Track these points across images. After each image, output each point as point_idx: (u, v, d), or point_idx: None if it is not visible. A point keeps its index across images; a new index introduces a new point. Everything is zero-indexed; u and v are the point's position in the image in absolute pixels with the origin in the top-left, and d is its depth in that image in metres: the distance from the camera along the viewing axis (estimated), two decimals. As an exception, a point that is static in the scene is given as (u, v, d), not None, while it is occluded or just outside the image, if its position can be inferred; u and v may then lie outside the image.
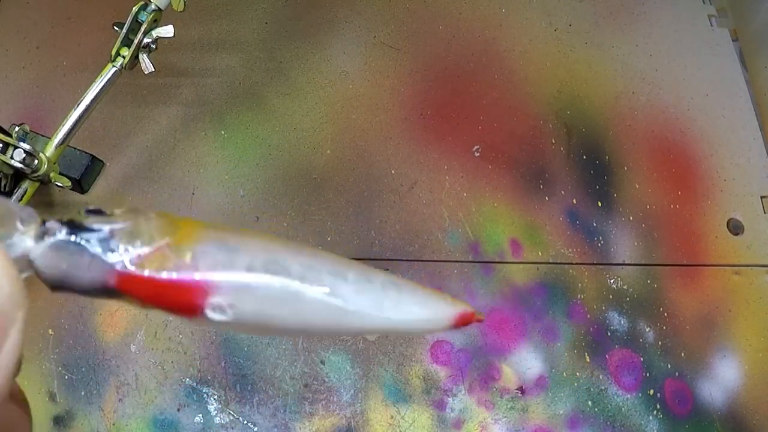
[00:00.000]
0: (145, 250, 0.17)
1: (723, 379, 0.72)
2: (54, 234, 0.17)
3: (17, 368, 0.16)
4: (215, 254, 0.18)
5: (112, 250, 0.17)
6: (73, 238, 0.17)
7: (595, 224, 0.78)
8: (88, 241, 0.17)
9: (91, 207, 0.18)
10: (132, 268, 0.17)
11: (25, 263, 0.17)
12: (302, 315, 0.19)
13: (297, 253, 0.20)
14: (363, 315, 0.20)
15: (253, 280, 0.18)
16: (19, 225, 0.17)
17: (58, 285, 0.18)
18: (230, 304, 0.18)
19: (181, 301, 0.18)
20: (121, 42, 0.63)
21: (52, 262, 0.17)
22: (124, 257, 0.17)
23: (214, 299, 0.18)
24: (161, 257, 0.18)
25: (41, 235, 0.17)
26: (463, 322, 0.22)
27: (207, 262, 0.18)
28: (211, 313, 0.18)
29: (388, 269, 0.73)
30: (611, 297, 0.74)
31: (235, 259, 0.18)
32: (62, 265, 0.17)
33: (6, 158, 0.58)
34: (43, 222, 0.17)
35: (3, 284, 0.15)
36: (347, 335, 0.67)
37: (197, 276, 0.18)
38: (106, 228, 0.18)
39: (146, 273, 0.17)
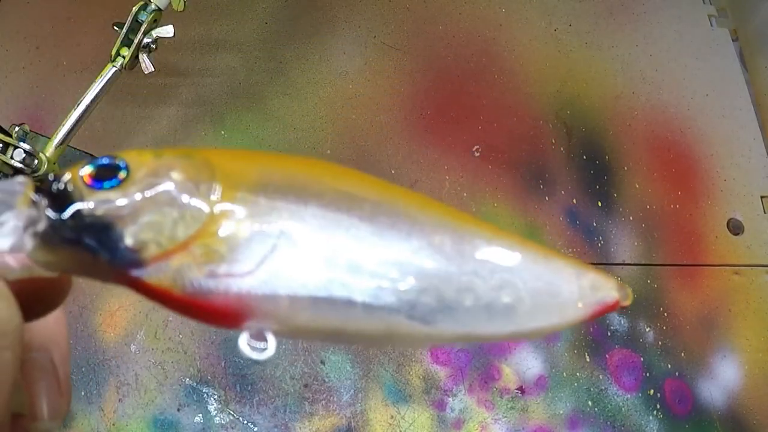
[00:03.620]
0: (156, 248, 0.12)
1: (723, 379, 0.72)
2: (40, 223, 0.13)
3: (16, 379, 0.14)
4: (259, 246, 0.13)
5: (115, 247, 0.12)
6: (63, 231, 0.13)
7: (595, 224, 0.78)
8: (84, 231, 0.13)
9: (101, 162, 0.13)
10: (140, 274, 0.12)
11: (21, 258, 0.13)
12: (376, 336, 0.14)
13: (379, 240, 0.13)
14: (462, 335, 0.15)
15: (312, 295, 0.13)
16: (1, 213, 0.13)
17: (68, 273, 0.14)
18: (276, 330, 0.13)
19: (212, 321, 0.13)
20: (121, 42, 0.63)
21: (47, 258, 0.13)
22: (132, 256, 0.12)
23: (253, 325, 0.13)
24: (181, 258, 0.12)
25: (30, 223, 0.13)
26: (601, 314, 0.17)
27: (244, 266, 0.12)
28: (246, 346, 0.13)
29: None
30: (611, 297, 0.74)
31: (287, 258, 0.13)
32: (60, 262, 0.13)
33: (6, 158, 0.58)
34: (33, 196, 0.13)
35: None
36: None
37: (228, 293, 0.12)
38: (108, 211, 0.13)
39: (159, 283, 0.12)
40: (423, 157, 0.79)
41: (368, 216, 0.14)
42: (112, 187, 0.13)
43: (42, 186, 0.13)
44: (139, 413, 0.65)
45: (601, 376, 0.70)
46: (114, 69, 0.63)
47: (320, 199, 0.14)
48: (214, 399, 0.66)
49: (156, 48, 0.65)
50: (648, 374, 0.71)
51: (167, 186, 0.13)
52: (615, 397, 0.70)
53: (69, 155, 0.69)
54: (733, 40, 0.92)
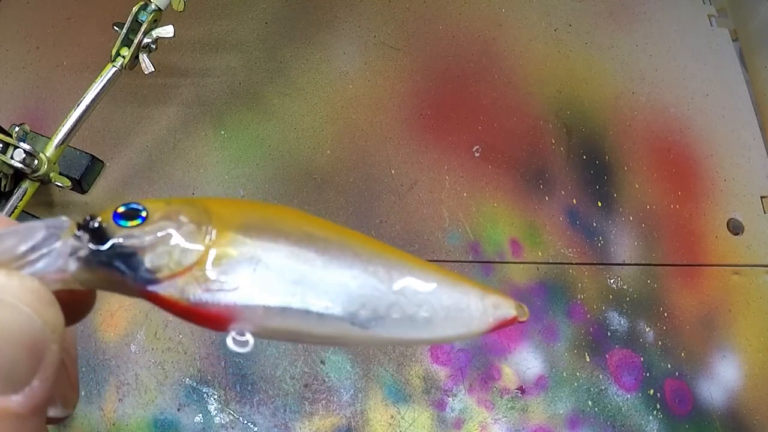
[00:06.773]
0: (168, 270, 0.18)
1: (723, 379, 0.72)
2: (82, 251, 0.18)
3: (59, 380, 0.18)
4: (242, 270, 0.19)
5: (137, 269, 0.18)
6: (100, 257, 0.18)
7: (595, 224, 0.78)
8: (115, 258, 0.18)
9: (123, 209, 0.19)
10: (156, 289, 0.18)
11: (65, 276, 0.18)
12: (327, 337, 0.20)
13: (336, 265, 0.20)
14: (393, 340, 0.20)
15: (280, 306, 0.19)
16: (52, 242, 0.18)
17: (100, 289, 0.19)
18: (253, 331, 0.19)
19: (207, 325, 0.19)
20: (121, 42, 0.63)
21: (86, 276, 0.18)
22: (149, 276, 0.18)
23: (236, 327, 0.18)
24: (186, 278, 0.18)
25: (74, 251, 0.18)
26: (501, 327, 0.21)
27: (231, 284, 0.18)
28: (232, 343, 0.18)
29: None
30: (611, 297, 0.74)
31: (262, 278, 0.19)
32: (95, 280, 0.19)
33: (6, 158, 0.58)
34: (76, 232, 0.18)
35: (43, 312, 0.17)
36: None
37: (220, 304, 0.18)
38: (133, 243, 0.18)
39: (169, 295, 0.18)
40: (423, 157, 0.79)
41: (322, 251, 0.20)
42: (135, 227, 0.19)
43: (82, 223, 0.18)
44: (139, 413, 0.65)
45: (601, 376, 0.70)
46: (114, 69, 0.64)
47: (288, 238, 0.20)
48: (214, 399, 0.66)
49: (156, 48, 0.65)
50: (648, 374, 0.71)
51: (176, 226, 0.19)
52: (615, 397, 0.70)
53: (69, 155, 0.69)
54: (733, 40, 0.92)
